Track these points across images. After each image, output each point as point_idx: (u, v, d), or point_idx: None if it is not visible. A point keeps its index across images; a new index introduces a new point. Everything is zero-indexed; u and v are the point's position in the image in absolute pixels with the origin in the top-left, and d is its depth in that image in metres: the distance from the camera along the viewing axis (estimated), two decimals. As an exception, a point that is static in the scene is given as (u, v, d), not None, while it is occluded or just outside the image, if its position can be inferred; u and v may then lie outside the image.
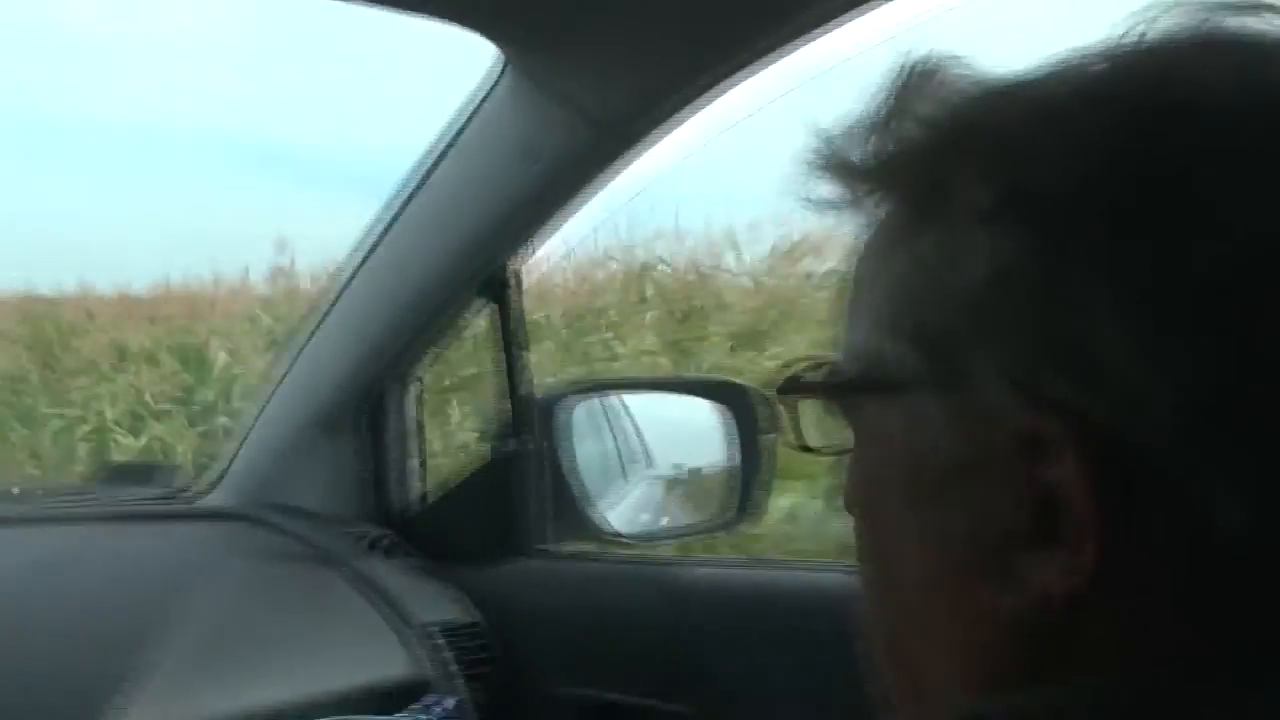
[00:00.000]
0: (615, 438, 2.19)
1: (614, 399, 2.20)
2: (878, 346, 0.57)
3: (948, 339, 0.54)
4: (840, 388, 0.63)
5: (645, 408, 2.19)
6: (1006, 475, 0.53)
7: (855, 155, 0.59)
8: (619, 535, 1.92)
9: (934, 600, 0.58)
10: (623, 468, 2.22)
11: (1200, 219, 0.49)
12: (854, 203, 0.60)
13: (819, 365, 0.65)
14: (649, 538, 2.08)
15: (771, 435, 1.92)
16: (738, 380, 2.01)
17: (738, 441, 1.92)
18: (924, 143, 0.56)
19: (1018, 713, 0.55)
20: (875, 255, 0.59)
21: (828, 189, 0.61)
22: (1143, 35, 0.55)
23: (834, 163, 0.60)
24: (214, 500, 2.04)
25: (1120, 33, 0.55)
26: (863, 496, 0.62)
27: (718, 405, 1.95)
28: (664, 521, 2.23)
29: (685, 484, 2.25)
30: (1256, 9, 0.54)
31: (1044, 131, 0.53)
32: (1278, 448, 0.49)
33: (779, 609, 1.57)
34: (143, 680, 1.45)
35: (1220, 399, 0.48)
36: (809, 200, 0.61)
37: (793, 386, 0.66)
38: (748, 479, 1.92)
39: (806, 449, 0.68)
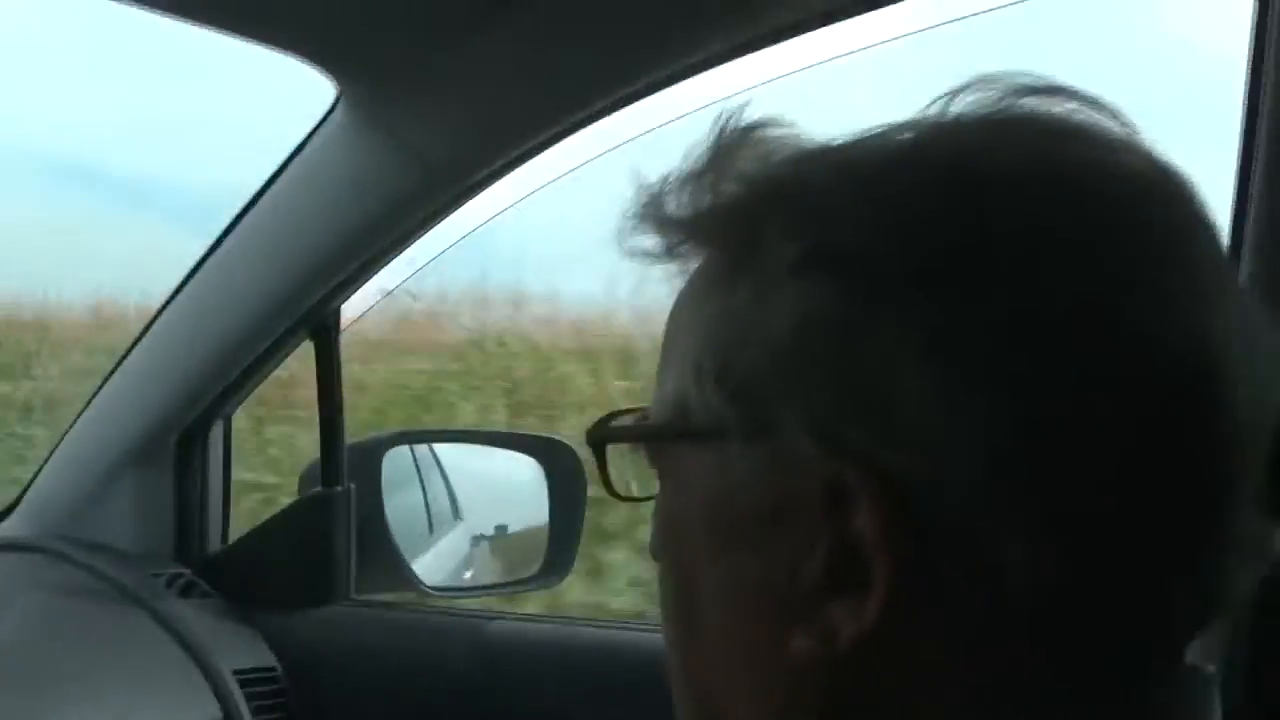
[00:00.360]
0: (426, 488, 2.18)
1: (427, 450, 2.19)
2: (686, 394, 0.59)
3: (754, 388, 0.55)
4: (648, 434, 0.65)
5: (460, 460, 2.18)
6: (808, 523, 0.54)
7: (673, 208, 0.61)
8: (425, 587, 1.90)
9: (731, 643, 0.60)
10: (430, 519, 2.20)
11: (994, 279, 0.52)
12: (671, 254, 0.62)
13: (632, 413, 0.67)
14: (456, 591, 2.06)
15: (585, 494, 1.94)
16: (555, 436, 2.01)
17: (551, 498, 1.92)
18: (739, 198, 0.59)
19: None
20: (688, 306, 0.61)
21: (648, 241, 0.63)
22: (945, 110, 0.58)
23: (653, 215, 0.62)
24: (7, 530, 1.96)
25: (925, 107, 0.59)
26: (667, 544, 0.63)
27: (533, 461, 1.95)
28: (469, 575, 2.22)
29: (494, 539, 2.24)
30: (1053, 92, 0.58)
31: (850, 191, 0.55)
32: (1067, 501, 0.51)
33: (584, 665, 1.57)
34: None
35: (1013, 452, 0.51)
36: (629, 250, 0.63)
37: (603, 433, 0.67)
38: (558, 536, 1.92)
39: (616, 496, 0.69)
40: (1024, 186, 0.54)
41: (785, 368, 0.54)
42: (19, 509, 1.98)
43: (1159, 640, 0.56)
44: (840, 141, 0.60)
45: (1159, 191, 0.56)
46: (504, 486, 2.10)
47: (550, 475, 1.93)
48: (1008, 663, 0.53)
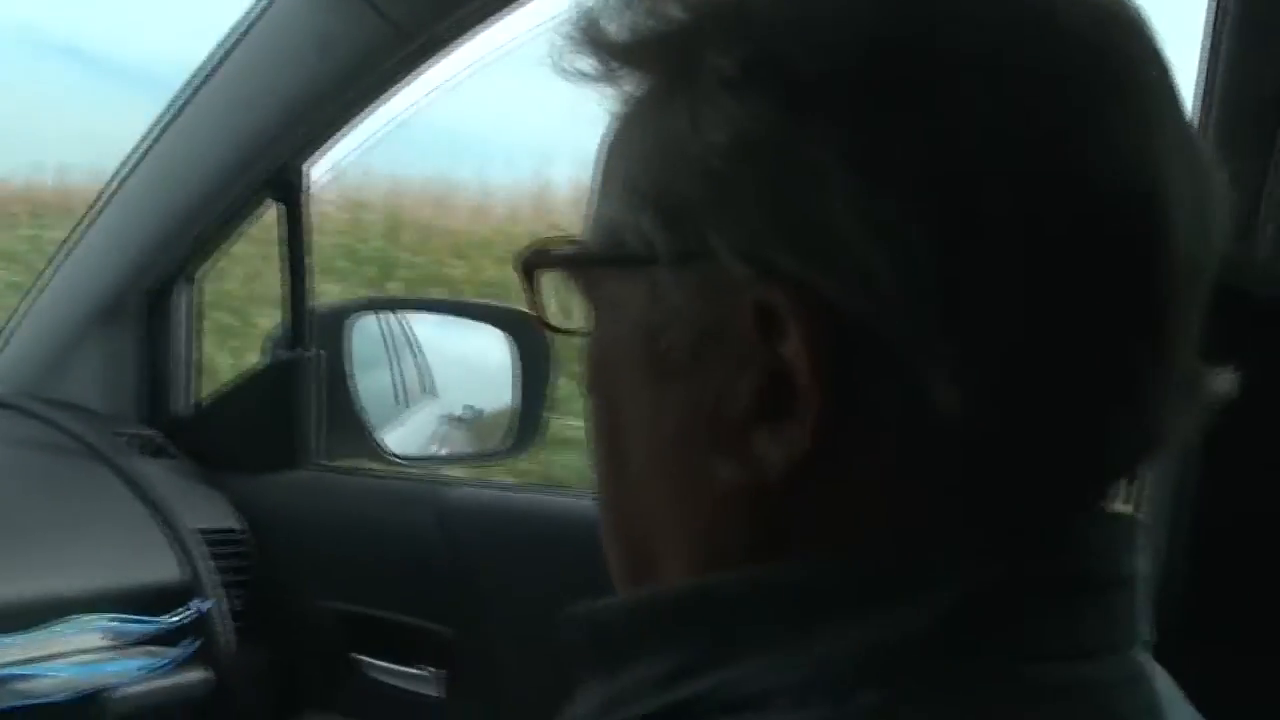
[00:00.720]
0: (396, 357, 2.18)
1: (398, 323, 2.19)
2: (619, 219, 0.58)
3: (686, 210, 0.54)
4: (577, 260, 0.64)
5: (429, 329, 2.19)
6: (736, 351, 0.54)
7: (613, 31, 0.59)
8: (393, 455, 1.91)
9: (660, 476, 0.59)
10: (402, 388, 2.21)
11: (931, 99, 0.51)
12: (609, 77, 0.60)
13: (566, 242, 0.65)
14: (422, 461, 2.07)
15: (552, 367, 1.94)
16: (523, 309, 2.00)
17: (518, 370, 1.92)
18: (679, 19, 0.57)
19: (742, 584, 0.56)
20: (624, 132, 0.60)
21: (585, 63, 0.61)
22: None
23: (591, 37, 0.60)
24: (-24, 388, 1.97)
25: None
26: (597, 374, 0.63)
27: (501, 332, 1.95)
28: (437, 448, 2.23)
29: (464, 412, 2.25)
30: None
31: (789, 4, 0.54)
32: (996, 327, 0.50)
33: (544, 533, 1.58)
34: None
35: (943, 279, 0.50)
36: (565, 72, 0.61)
37: (535, 260, 0.66)
38: (526, 410, 1.92)
39: (549, 326, 0.67)
40: (977, 5, 0.53)
41: (717, 189, 0.53)
42: (-12, 370, 1.99)
43: (1088, 479, 0.56)
44: None
45: (1110, 18, 0.54)
46: (468, 358, 2.10)
47: (518, 347, 1.94)
48: (933, 496, 0.53)
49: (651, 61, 0.58)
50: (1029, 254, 0.50)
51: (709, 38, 0.54)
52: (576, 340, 0.67)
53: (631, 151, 0.58)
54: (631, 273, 0.58)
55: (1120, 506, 0.59)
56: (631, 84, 0.60)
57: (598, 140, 0.63)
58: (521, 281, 0.66)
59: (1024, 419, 0.52)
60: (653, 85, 0.58)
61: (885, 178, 0.50)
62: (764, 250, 0.51)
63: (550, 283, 0.66)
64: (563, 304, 0.67)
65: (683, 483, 0.58)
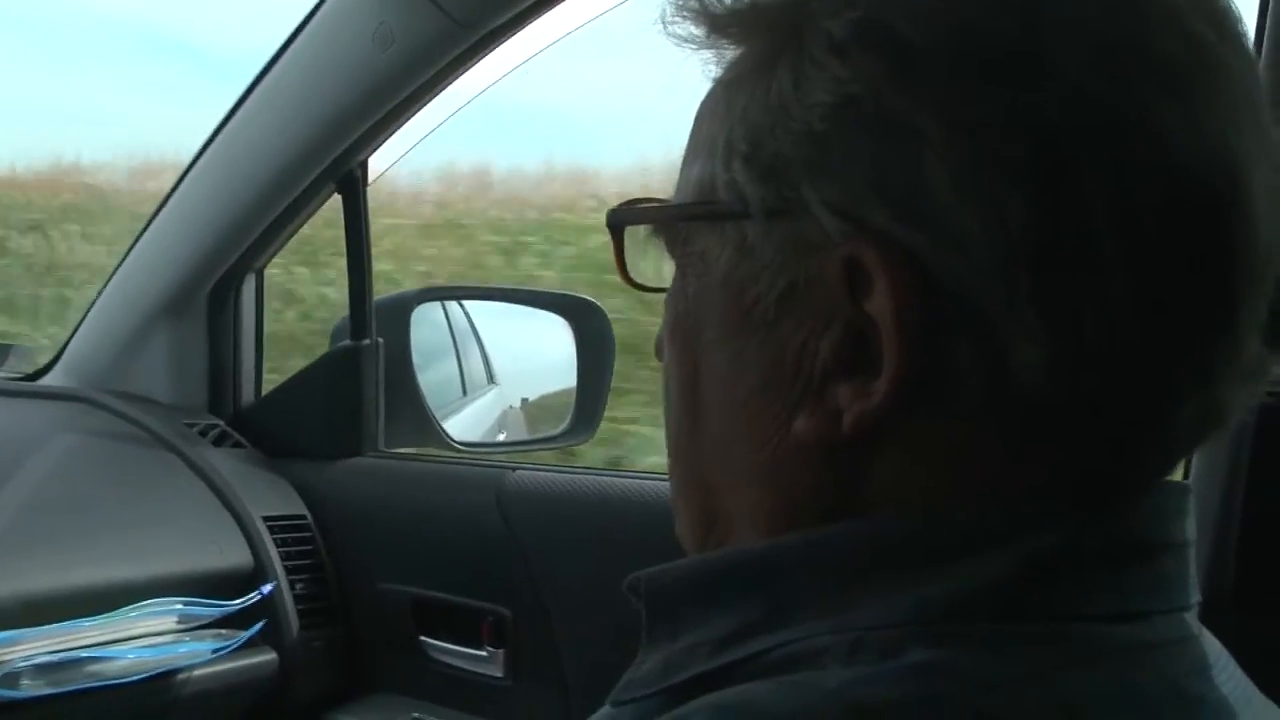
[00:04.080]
0: (459, 345, 2.20)
1: (461, 311, 2.21)
2: (711, 175, 0.59)
3: (783, 166, 0.55)
4: (669, 215, 0.64)
5: (490, 317, 2.21)
6: (822, 303, 0.55)
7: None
8: (454, 442, 1.94)
9: (737, 429, 0.60)
10: (464, 380, 2.23)
11: (1039, 74, 0.52)
12: (713, 41, 0.62)
13: (650, 202, 0.67)
14: (483, 447, 2.09)
15: (613, 354, 1.96)
16: (585, 297, 2.02)
17: (579, 357, 1.94)
18: None
19: (799, 548, 0.57)
20: (722, 94, 0.61)
21: (692, 29, 0.62)
22: None
23: (701, 4, 0.61)
24: (50, 381, 2.01)
25: None
26: (679, 327, 0.63)
27: (562, 320, 1.97)
28: (499, 434, 2.25)
29: (526, 401, 2.27)
30: None
31: None
32: (1078, 300, 0.51)
33: (603, 516, 1.59)
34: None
35: (1035, 246, 0.51)
36: (672, 36, 0.63)
37: (624, 216, 0.67)
38: (585, 395, 1.95)
39: (632, 283, 0.69)
40: None
41: (816, 147, 0.54)
42: (59, 363, 2.04)
43: (1155, 452, 0.56)
44: None
45: (1200, 7, 0.55)
46: (535, 347, 2.12)
47: (579, 335, 1.96)
48: (998, 461, 0.54)
49: (759, 27, 0.59)
50: (1116, 230, 0.51)
51: (820, 2, 0.56)
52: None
53: (731, 112, 0.59)
54: (721, 226, 0.59)
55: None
56: (734, 49, 0.61)
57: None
58: (610, 237, 0.68)
59: (1097, 391, 0.53)
60: (757, 49, 0.59)
61: (985, 145, 0.51)
62: (859, 207, 0.53)
63: (636, 242, 0.68)
64: (649, 263, 0.68)
65: (759, 435, 0.59)
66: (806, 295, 0.56)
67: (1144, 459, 0.56)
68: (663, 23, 0.63)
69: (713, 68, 0.63)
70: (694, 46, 0.62)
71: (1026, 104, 0.51)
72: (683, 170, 0.63)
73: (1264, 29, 1.15)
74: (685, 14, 0.62)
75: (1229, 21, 0.55)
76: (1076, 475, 0.54)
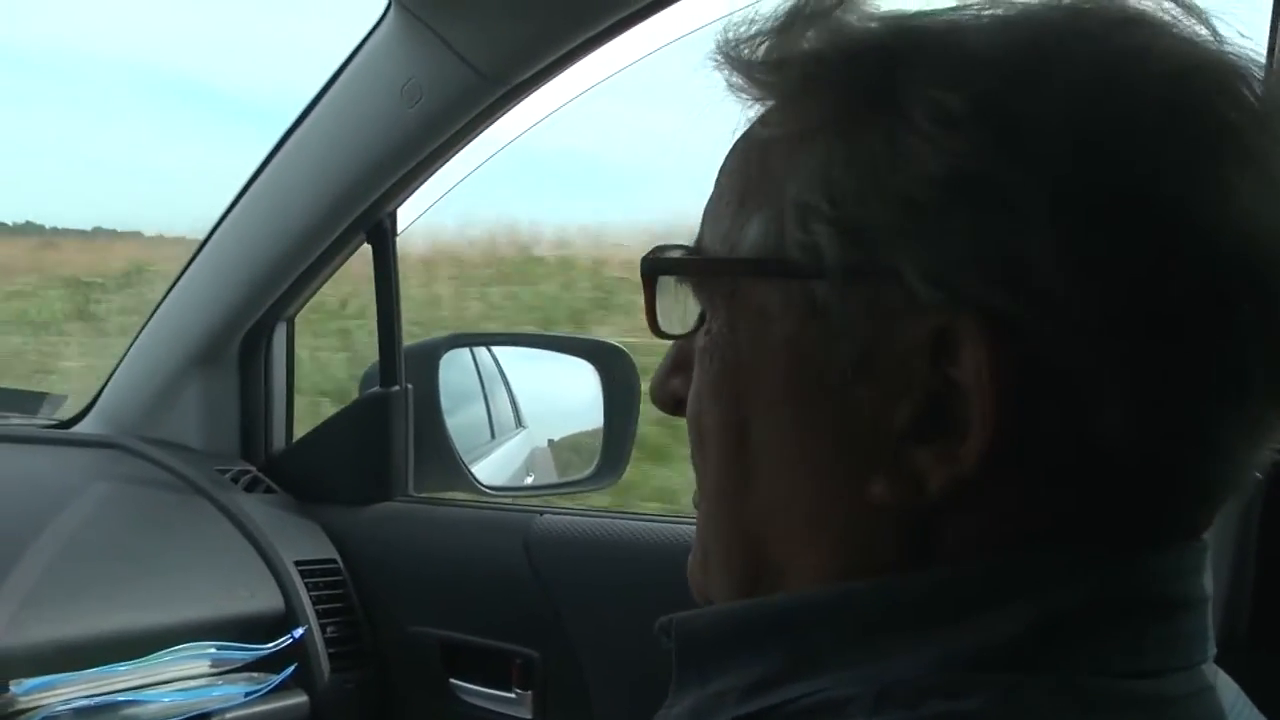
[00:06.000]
0: (486, 389, 2.22)
1: (489, 356, 2.23)
2: (779, 232, 0.58)
3: (872, 230, 0.55)
4: (728, 268, 0.63)
5: (517, 362, 2.23)
6: (903, 368, 0.55)
7: (778, 49, 0.61)
8: (482, 486, 1.96)
9: (799, 490, 0.60)
10: (492, 425, 2.25)
11: (1135, 150, 0.53)
12: (757, 92, 0.62)
13: (678, 249, 0.67)
14: (511, 491, 2.11)
15: (639, 398, 1.97)
16: (611, 341, 2.04)
17: (606, 401, 1.96)
18: (860, 45, 0.59)
19: (831, 599, 0.58)
20: (783, 146, 0.60)
21: (735, 78, 0.63)
22: None
23: (748, 55, 0.62)
24: (84, 428, 2.04)
25: None
26: (726, 383, 0.63)
27: (589, 365, 1.99)
28: (530, 480, 2.27)
29: (554, 445, 2.29)
30: None
31: (1014, 51, 0.56)
32: (1164, 364, 0.53)
33: (630, 559, 1.61)
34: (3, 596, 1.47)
35: (1128, 315, 0.52)
36: (727, 85, 0.63)
37: (662, 264, 0.67)
38: (612, 438, 1.96)
39: (658, 332, 0.67)
40: (1167, 73, 0.54)
41: (915, 214, 0.54)
42: (93, 410, 2.07)
43: (1204, 509, 0.58)
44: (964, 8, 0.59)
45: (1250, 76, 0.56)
46: (562, 391, 2.14)
47: (605, 379, 1.98)
48: (1065, 513, 0.55)
49: (827, 84, 0.59)
50: (1195, 298, 0.52)
51: (918, 70, 0.56)
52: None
53: (802, 169, 0.58)
54: (787, 284, 0.59)
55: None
56: (787, 101, 0.61)
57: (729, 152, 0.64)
58: (641, 285, 0.66)
59: (1166, 454, 0.54)
60: (827, 107, 0.59)
61: (1088, 218, 0.52)
62: (955, 276, 0.53)
63: (667, 290, 0.67)
64: (675, 313, 0.67)
65: (828, 496, 0.59)
66: (883, 360, 0.56)
67: (1192, 516, 0.58)
68: (715, 68, 0.63)
69: (752, 118, 0.63)
70: (742, 95, 0.63)
71: (1126, 180, 0.52)
72: (722, 219, 0.62)
73: (1276, 30, 1.16)
74: (733, 63, 0.62)
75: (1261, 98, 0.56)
76: (1116, 529, 0.55)
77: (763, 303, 0.60)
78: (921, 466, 0.55)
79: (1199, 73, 0.55)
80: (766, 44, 0.61)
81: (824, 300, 0.57)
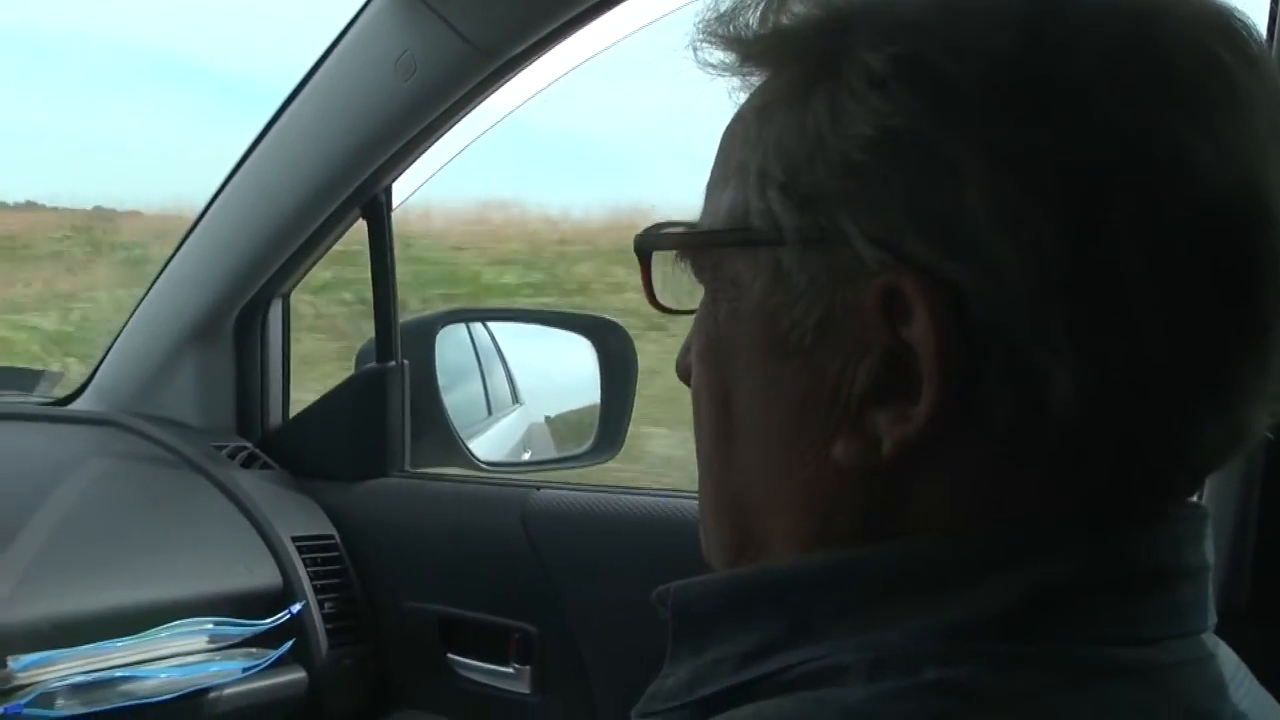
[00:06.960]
0: (482, 365, 2.22)
1: (485, 332, 2.23)
2: (745, 202, 0.60)
3: (820, 195, 0.56)
4: (703, 240, 0.65)
5: (513, 338, 2.23)
6: (858, 331, 0.56)
7: (752, 26, 0.62)
8: (479, 461, 1.96)
9: (773, 453, 0.61)
10: (489, 401, 2.25)
11: (1072, 107, 0.53)
12: (742, 69, 0.63)
13: (677, 225, 0.67)
14: (508, 466, 2.11)
15: (635, 372, 1.98)
16: (607, 316, 2.04)
17: (602, 376, 1.96)
18: (820, 16, 0.59)
19: (825, 567, 0.58)
20: (754, 121, 0.61)
21: (719, 55, 0.63)
22: None
23: (728, 30, 0.62)
24: (80, 405, 2.04)
25: None
26: (710, 352, 0.64)
27: (585, 340, 1.99)
28: (527, 455, 2.27)
29: (550, 420, 2.29)
30: None
31: (939, 9, 0.56)
32: (1113, 327, 0.52)
33: (627, 533, 1.61)
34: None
35: (1068, 274, 0.52)
36: (701, 64, 0.64)
37: (653, 241, 0.68)
38: (608, 414, 1.96)
39: (657, 306, 0.70)
40: (1105, 17, 0.54)
41: (855, 178, 0.55)
42: (90, 387, 2.07)
43: (1179, 474, 0.57)
44: None
45: (1227, 34, 0.56)
46: (559, 366, 2.14)
47: (602, 354, 1.98)
48: (1030, 483, 0.55)
49: (790, 56, 0.60)
50: (1147, 260, 0.52)
51: (857, 35, 0.57)
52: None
53: (763, 140, 0.60)
54: (755, 253, 0.60)
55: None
56: (759, 76, 0.62)
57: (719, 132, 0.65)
58: (637, 261, 0.68)
59: (1126, 417, 0.54)
60: (788, 77, 0.60)
61: (1021, 177, 0.52)
62: (898, 237, 0.54)
63: (661, 265, 0.69)
64: (672, 286, 0.69)
65: (796, 459, 0.59)
66: (843, 322, 0.56)
67: (1168, 481, 0.57)
68: (692, 49, 0.64)
69: (739, 94, 0.64)
70: (723, 73, 0.64)
71: (1061, 137, 0.52)
72: (711, 195, 0.64)
73: (1274, 32, 1.16)
74: (715, 41, 0.63)
75: (1252, 48, 0.56)
76: (1099, 498, 0.55)
77: (736, 272, 0.61)
78: (879, 428, 0.56)
79: (1132, 22, 0.55)
80: (751, 17, 0.62)
81: (787, 267, 0.58)
